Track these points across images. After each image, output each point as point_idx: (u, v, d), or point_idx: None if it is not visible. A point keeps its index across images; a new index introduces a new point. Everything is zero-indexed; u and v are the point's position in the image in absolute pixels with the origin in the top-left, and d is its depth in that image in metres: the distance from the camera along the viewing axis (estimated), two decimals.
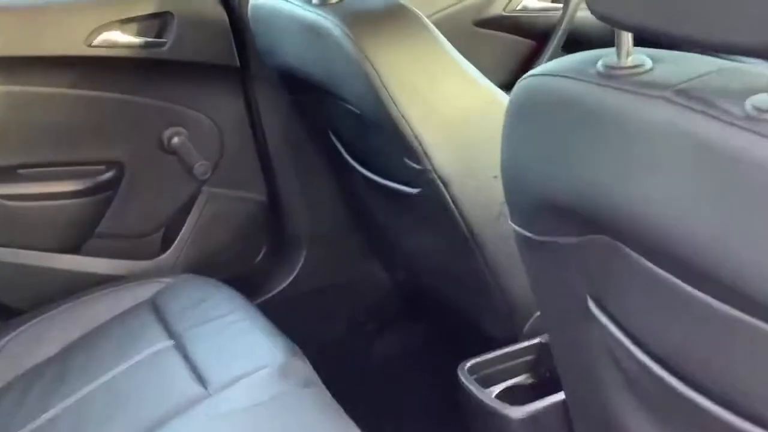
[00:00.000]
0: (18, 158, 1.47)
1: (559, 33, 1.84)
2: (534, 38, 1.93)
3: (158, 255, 1.64)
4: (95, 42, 1.44)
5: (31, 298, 1.53)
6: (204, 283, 1.47)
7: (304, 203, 1.69)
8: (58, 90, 1.46)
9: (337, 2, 1.24)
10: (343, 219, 1.71)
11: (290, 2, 1.30)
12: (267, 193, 1.68)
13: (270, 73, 1.53)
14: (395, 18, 1.19)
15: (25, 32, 1.40)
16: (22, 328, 1.43)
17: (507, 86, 1.90)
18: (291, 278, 1.70)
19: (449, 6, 1.85)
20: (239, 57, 1.56)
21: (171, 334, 1.29)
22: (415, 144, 1.13)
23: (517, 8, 1.93)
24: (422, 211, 1.29)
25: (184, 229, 1.64)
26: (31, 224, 1.50)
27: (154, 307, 1.40)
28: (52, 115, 1.47)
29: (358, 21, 1.17)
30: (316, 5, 1.24)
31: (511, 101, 0.77)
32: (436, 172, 1.15)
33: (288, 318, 1.56)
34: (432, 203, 1.22)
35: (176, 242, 1.64)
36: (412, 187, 1.25)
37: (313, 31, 1.23)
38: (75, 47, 1.43)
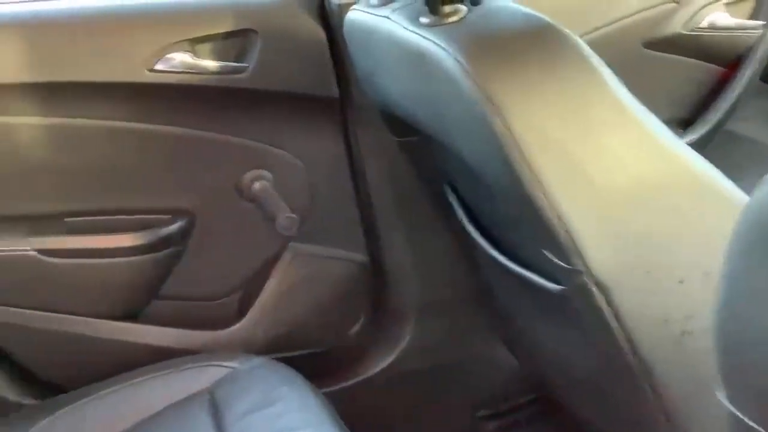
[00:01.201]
0: (64, 205, 1.22)
1: (757, 57, 1.41)
2: (722, 63, 1.51)
3: (232, 324, 1.35)
4: (159, 66, 1.17)
5: (76, 374, 1.28)
6: (276, 378, 1.17)
7: (413, 267, 1.38)
8: (113, 123, 1.19)
9: (455, 21, 0.88)
10: (460, 287, 1.38)
11: (391, 20, 0.96)
12: (367, 252, 1.37)
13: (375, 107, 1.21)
14: (536, 42, 0.82)
15: (72, 53, 1.14)
16: (62, 411, 1.19)
17: (686, 123, 1.45)
18: (393, 356, 1.40)
19: (612, 22, 1.45)
20: (338, 86, 1.25)
21: None
22: (560, 231, 0.75)
23: (702, 25, 1.50)
24: (566, 313, 0.91)
25: (264, 293, 1.35)
26: (79, 286, 1.24)
27: (212, 402, 1.13)
28: (105, 153, 1.21)
29: (481, 47, 0.81)
30: (425, 25, 0.89)
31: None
32: (590, 274, 0.77)
33: (387, 404, 1.29)
34: (581, 307, 0.84)
35: (254, 309, 1.35)
36: (553, 281, 0.88)
37: (418, 59, 0.88)
38: (133, 72, 1.15)
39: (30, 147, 1.18)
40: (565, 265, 0.77)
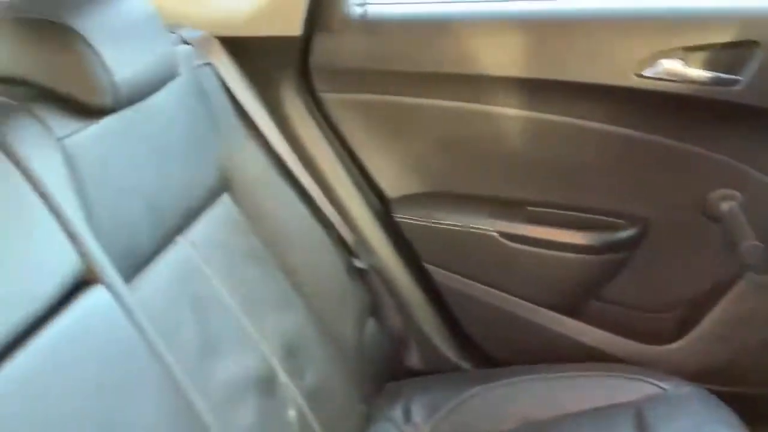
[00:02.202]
0: (527, 194, 1.28)
1: None
2: None
3: (666, 342, 1.30)
4: (648, 72, 1.14)
5: (510, 351, 1.36)
6: (710, 413, 1.10)
7: None
8: (590, 124, 1.20)
9: None
10: None
11: None
12: None
13: None
14: None
15: (563, 53, 1.17)
16: (495, 383, 1.27)
17: None
18: None
19: None
20: None
21: None
22: None
23: None
24: None
25: (708, 317, 1.27)
26: (529, 272, 1.30)
27: (638, 418, 1.10)
28: (575, 151, 1.23)
29: None
30: None
31: None
32: None
33: None
34: None
35: (693, 332, 1.28)
36: None
37: None
38: (621, 76, 1.15)
39: (507, 136, 1.26)
40: None
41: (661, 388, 1.16)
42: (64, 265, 0.74)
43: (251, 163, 1.18)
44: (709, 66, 1.13)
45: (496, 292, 1.34)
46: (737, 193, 1.19)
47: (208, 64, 1.13)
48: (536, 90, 1.21)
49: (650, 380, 1.17)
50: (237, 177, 1.14)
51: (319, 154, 1.29)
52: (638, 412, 1.11)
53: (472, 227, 1.30)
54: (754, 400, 1.25)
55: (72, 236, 0.75)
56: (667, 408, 1.11)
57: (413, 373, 1.39)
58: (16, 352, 0.66)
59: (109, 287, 0.77)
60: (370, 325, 1.32)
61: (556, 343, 1.32)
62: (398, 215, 1.33)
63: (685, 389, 1.15)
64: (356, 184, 1.32)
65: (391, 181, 1.33)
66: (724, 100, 1.14)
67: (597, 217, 1.27)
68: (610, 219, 1.27)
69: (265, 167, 1.19)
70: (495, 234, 1.29)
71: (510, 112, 1.24)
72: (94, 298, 0.75)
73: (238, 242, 1.10)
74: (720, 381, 1.22)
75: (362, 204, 1.32)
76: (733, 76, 1.12)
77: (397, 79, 1.24)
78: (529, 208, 1.29)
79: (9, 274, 0.67)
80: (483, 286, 1.33)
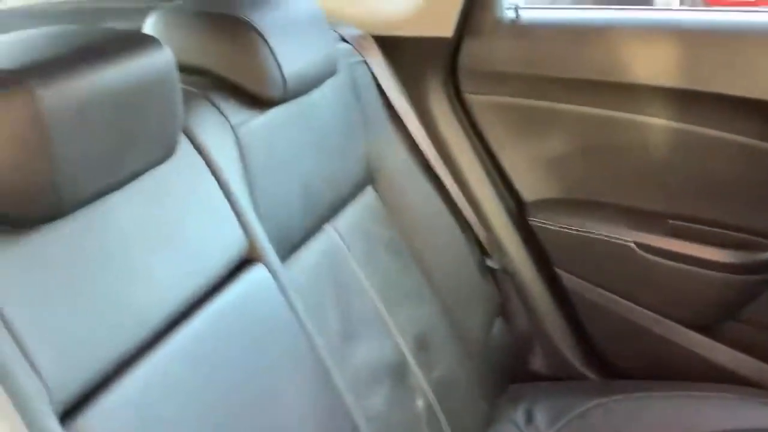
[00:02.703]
0: (671, 207, 1.25)
1: None
2: None
3: None
4: None
5: (638, 364, 1.34)
6: None
7: None
8: (738, 138, 1.17)
9: None
10: None
11: None
12: None
13: None
14: None
15: (713, 64, 1.14)
16: (615, 396, 1.26)
17: None
18: None
19: None
20: None
21: None
22: None
23: None
24: None
25: None
26: (666, 286, 1.27)
27: None
28: (721, 165, 1.20)
29: None
30: None
31: None
32: None
33: None
34: None
35: None
36: None
37: None
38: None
39: (653, 146, 1.24)
40: None
41: None
42: (232, 243, 0.80)
43: (395, 158, 1.22)
44: None
45: (629, 303, 1.32)
46: None
47: (364, 61, 1.18)
48: (686, 101, 1.18)
49: None
50: (381, 170, 1.19)
51: (460, 153, 1.31)
52: None
53: (609, 236, 1.29)
54: None
55: (240, 217, 0.81)
56: None
57: (536, 377, 1.39)
58: (189, 319, 0.72)
59: (269, 266, 0.83)
60: (497, 325, 1.33)
61: (686, 360, 1.29)
62: (533, 219, 1.34)
63: None
64: (493, 184, 1.34)
65: (529, 184, 1.34)
66: None
67: (742, 235, 1.23)
68: (757, 239, 1.22)
69: (408, 162, 1.23)
70: (632, 245, 1.27)
71: (658, 122, 1.22)
72: (256, 275, 0.81)
73: (379, 233, 1.14)
74: None
75: (498, 205, 1.34)
76: None
77: (544, 84, 1.24)
78: (671, 221, 1.26)
79: (188, 249, 0.73)
80: (615, 296, 1.32)
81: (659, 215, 1.27)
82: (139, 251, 0.68)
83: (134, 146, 0.65)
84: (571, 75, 1.22)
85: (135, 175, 0.67)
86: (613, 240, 1.29)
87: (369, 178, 1.17)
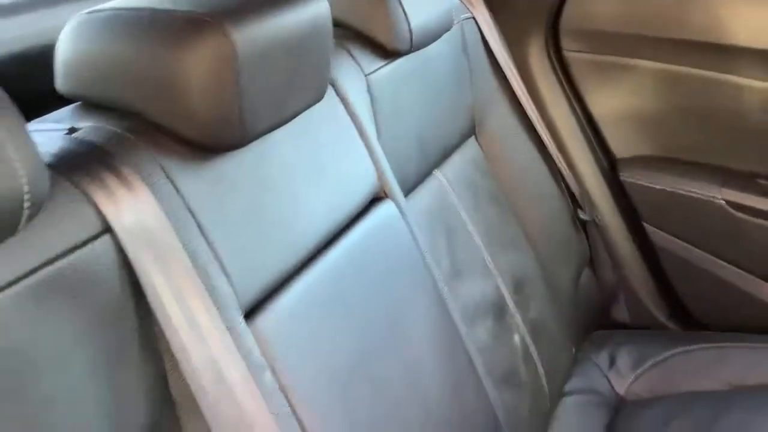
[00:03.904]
0: (756, 166, 1.29)
1: None
2: None
3: None
4: None
5: (720, 317, 1.40)
6: None
7: None
8: None
9: None
10: None
11: None
12: None
13: None
14: None
15: None
16: (695, 346, 1.32)
17: None
18: None
19: None
20: None
21: None
22: None
23: None
24: None
25: None
26: (751, 242, 1.32)
27: None
28: None
29: None
30: None
31: None
32: None
33: None
34: None
35: None
36: None
37: None
38: None
39: (748, 108, 1.27)
40: None
41: None
42: (367, 180, 0.88)
43: (497, 112, 1.28)
44: None
45: (714, 259, 1.37)
46: None
47: (472, 17, 1.24)
48: None
49: None
50: (484, 124, 1.25)
51: (557, 110, 1.37)
52: None
53: (699, 193, 1.34)
54: None
55: (373, 157, 0.89)
56: None
57: (620, 326, 1.46)
58: (330, 248, 0.81)
59: (396, 203, 0.91)
60: (585, 274, 1.40)
61: (767, 315, 1.34)
62: (625, 175, 1.39)
63: None
64: (587, 141, 1.39)
65: (622, 141, 1.39)
66: None
67: None
68: None
69: (509, 116, 1.30)
70: (722, 202, 1.32)
71: (755, 84, 1.25)
72: (386, 210, 0.89)
73: (482, 182, 1.21)
74: None
75: (591, 160, 1.39)
76: None
77: (643, 44, 1.29)
78: (761, 181, 1.30)
79: (335, 183, 0.82)
80: (701, 252, 1.37)
81: (750, 174, 1.31)
82: (299, 182, 0.76)
83: (298, 87, 0.73)
84: (669, 35, 1.26)
85: (295, 114, 0.75)
86: (703, 197, 1.34)
87: (472, 129, 1.24)
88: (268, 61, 0.67)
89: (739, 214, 1.31)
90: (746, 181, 1.32)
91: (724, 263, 1.37)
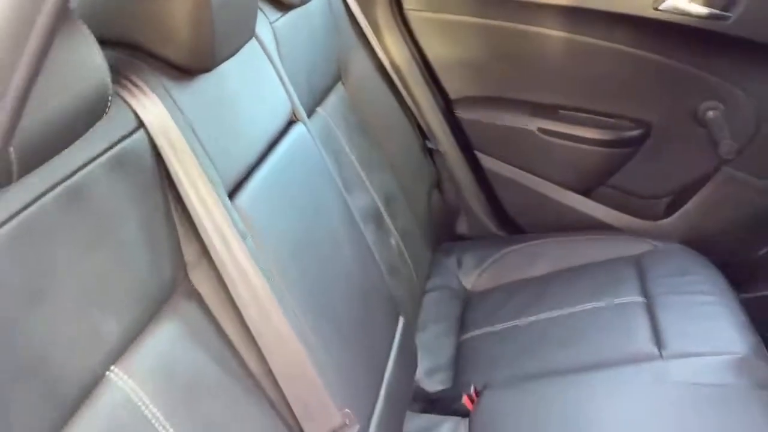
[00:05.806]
0: (558, 99, 1.65)
1: None
2: None
3: (658, 219, 1.69)
4: (662, 6, 1.50)
5: (535, 221, 1.75)
6: (693, 258, 1.50)
7: None
8: (613, 46, 1.57)
9: None
10: None
11: None
12: None
13: None
14: None
15: None
16: (521, 245, 1.66)
17: None
18: None
19: None
20: None
21: (645, 292, 1.37)
22: None
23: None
24: None
25: (691, 201, 1.65)
26: (557, 159, 1.68)
27: (638, 265, 1.49)
28: (598, 66, 1.60)
29: None
30: None
31: None
32: None
33: None
34: None
35: (679, 212, 1.67)
36: None
37: None
38: (643, 9, 1.51)
39: (548, 53, 1.62)
40: None
41: (655, 246, 1.56)
42: (282, 106, 1.10)
43: (357, 59, 1.53)
44: (708, 3, 1.50)
45: (531, 176, 1.72)
46: (721, 105, 1.56)
47: None
48: (574, 16, 1.57)
49: (647, 240, 1.57)
50: (348, 69, 1.50)
51: (402, 58, 1.65)
52: (637, 261, 1.50)
53: (517, 124, 1.68)
54: (732, 268, 1.63)
55: (285, 87, 1.11)
56: (660, 257, 1.51)
57: (462, 238, 1.78)
58: (261, 166, 1.00)
59: (305, 125, 1.13)
60: (435, 195, 1.70)
61: (574, 216, 1.71)
62: (459, 111, 1.71)
63: (673, 246, 1.55)
64: (427, 84, 1.68)
65: (456, 83, 1.70)
66: (717, 32, 1.51)
67: (611, 120, 1.65)
68: (622, 121, 1.64)
69: (367, 63, 1.55)
70: (534, 130, 1.67)
71: (552, 33, 1.60)
72: (298, 132, 1.11)
73: (351, 117, 1.46)
74: (700, 249, 1.61)
75: (431, 100, 1.69)
76: (726, 13, 1.49)
77: (468, 4, 1.60)
78: (561, 111, 1.66)
79: (268, 104, 1.03)
80: (521, 171, 1.72)
81: (553, 107, 1.67)
82: (248, 99, 0.97)
83: (246, 23, 0.94)
84: None
85: (243, 45, 0.95)
86: (520, 127, 1.68)
87: (339, 75, 1.48)
88: None
89: (547, 138, 1.67)
90: (552, 111, 1.67)
91: (538, 178, 1.72)
